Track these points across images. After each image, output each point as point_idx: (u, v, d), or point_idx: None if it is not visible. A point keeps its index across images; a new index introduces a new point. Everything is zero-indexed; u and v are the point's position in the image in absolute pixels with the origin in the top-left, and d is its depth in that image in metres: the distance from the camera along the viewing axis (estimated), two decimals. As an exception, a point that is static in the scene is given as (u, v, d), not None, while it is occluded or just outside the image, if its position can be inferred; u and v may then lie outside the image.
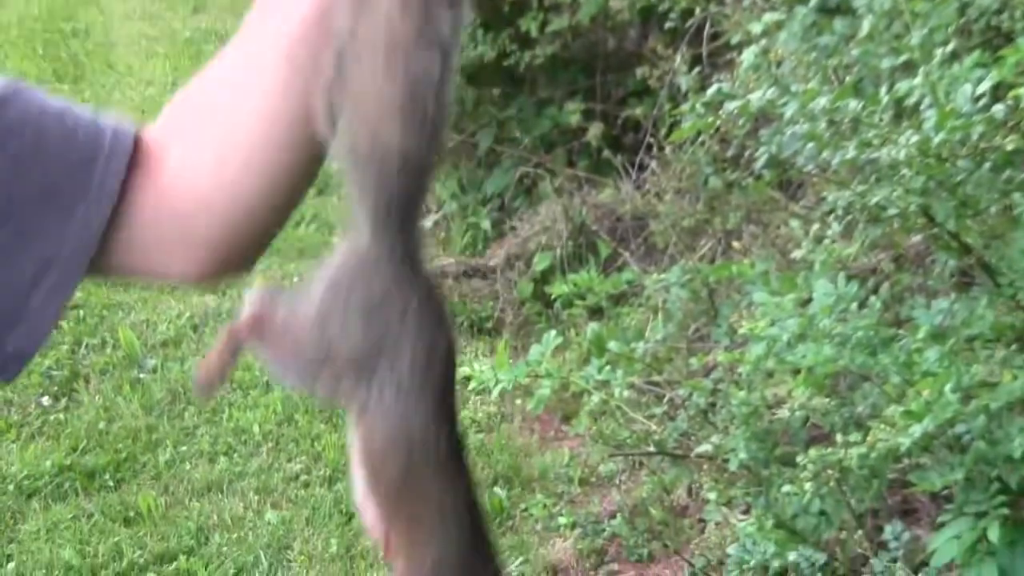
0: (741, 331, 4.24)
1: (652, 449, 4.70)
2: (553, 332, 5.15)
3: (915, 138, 3.18)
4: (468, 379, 5.35)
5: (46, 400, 5.58)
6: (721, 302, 4.91)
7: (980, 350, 3.38)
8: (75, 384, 5.71)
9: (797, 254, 4.50)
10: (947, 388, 3.08)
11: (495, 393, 5.17)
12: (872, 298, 3.97)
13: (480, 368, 5.14)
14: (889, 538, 3.58)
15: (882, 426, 3.37)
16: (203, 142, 1.58)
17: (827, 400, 3.85)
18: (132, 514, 4.80)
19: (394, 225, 1.55)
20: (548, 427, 5.38)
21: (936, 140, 3.14)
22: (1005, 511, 3.13)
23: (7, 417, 5.42)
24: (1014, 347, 3.35)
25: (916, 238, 4.15)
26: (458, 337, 5.95)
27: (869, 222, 4.34)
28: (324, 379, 1.58)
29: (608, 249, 5.78)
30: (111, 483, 5.01)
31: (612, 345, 4.99)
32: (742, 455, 4.11)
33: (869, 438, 3.53)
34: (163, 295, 6.48)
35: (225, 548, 4.61)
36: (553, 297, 5.56)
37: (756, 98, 3.75)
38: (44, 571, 4.48)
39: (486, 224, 6.43)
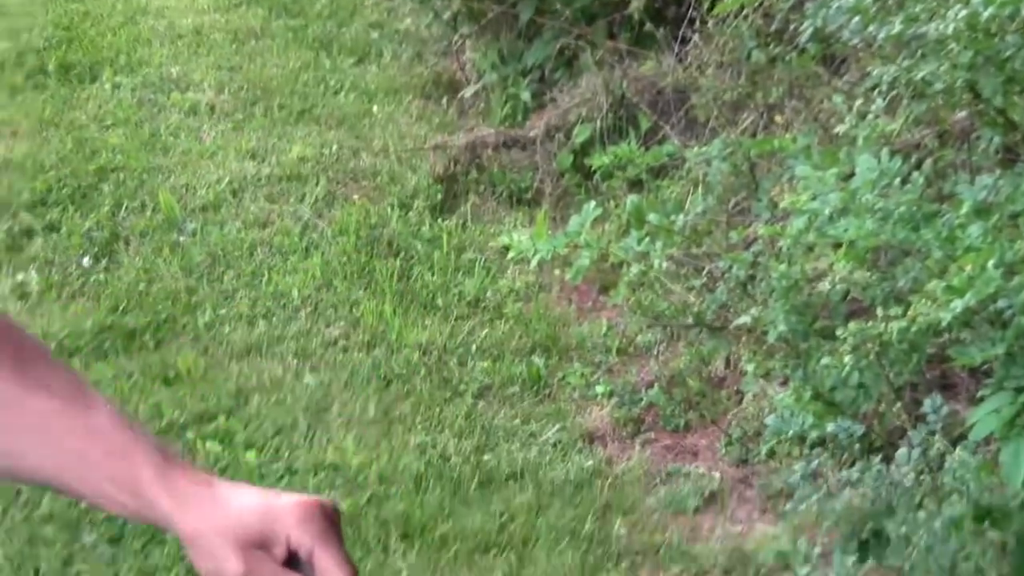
0: (782, 205, 4.24)
1: (690, 321, 4.71)
2: (592, 203, 5.14)
3: (963, 13, 3.16)
4: (507, 248, 5.36)
5: (87, 261, 5.59)
6: (762, 176, 4.89)
7: (1024, 226, 3.37)
8: (115, 246, 5.73)
9: (840, 129, 4.49)
10: (990, 263, 3.08)
11: (534, 263, 5.17)
12: (915, 174, 3.95)
13: (519, 238, 5.14)
14: (928, 411, 3.58)
15: (923, 301, 3.37)
16: None
17: (868, 274, 3.85)
18: (172, 374, 4.83)
19: None
20: (586, 297, 5.39)
21: (985, 15, 3.12)
22: (1045, 386, 3.13)
23: (48, 277, 5.44)
24: (1058, 223, 3.34)
25: (961, 114, 4.13)
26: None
27: (914, 98, 4.32)
28: None
29: (649, 122, 5.76)
30: (151, 344, 5.04)
31: (651, 217, 4.99)
32: (781, 327, 4.12)
33: (910, 312, 3.53)
34: (203, 159, 6.48)
35: (264, 410, 4.64)
36: (593, 168, 5.55)
37: (801, -30, 3.75)
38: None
39: (526, 95, 6.41)
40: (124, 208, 6.05)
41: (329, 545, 1.53)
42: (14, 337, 1.58)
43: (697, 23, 5.48)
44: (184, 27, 8.06)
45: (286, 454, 4.43)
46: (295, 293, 5.36)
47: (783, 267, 4.19)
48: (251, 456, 4.37)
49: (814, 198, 4.03)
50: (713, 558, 3.98)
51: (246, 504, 1.59)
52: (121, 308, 5.23)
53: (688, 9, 5.63)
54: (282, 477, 4.31)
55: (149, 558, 3.86)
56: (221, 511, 1.58)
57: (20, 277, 5.44)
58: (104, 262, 5.63)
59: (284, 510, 1.57)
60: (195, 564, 1.59)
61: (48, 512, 4.04)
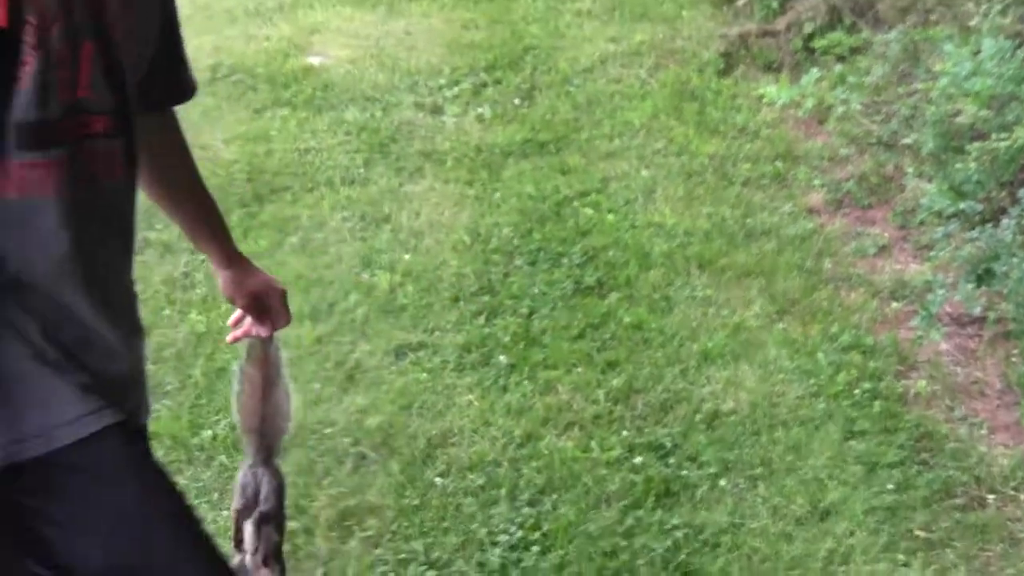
0: (935, 68, 4.09)
1: (873, 140, 4.60)
2: (815, 69, 5.05)
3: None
4: (762, 96, 5.28)
5: (517, 101, 5.66)
6: (920, 53, 4.71)
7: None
8: (533, 93, 5.77)
9: (972, 23, 4.30)
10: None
11: (778, 105, 5.09)
12: (1019, 51, 3.78)
13: (770, 90, 5.05)
14: (1021, 197, 3.45)
15: (1021, 129, 3.24)
16: None
17: (987, 112, 3.71)
18: (565, 168, 4.88)
19: None
20: (809, 127, 5.26)
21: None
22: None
23: (495, 110, 5.53)
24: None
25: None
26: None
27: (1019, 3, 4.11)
28: None
29: (850, 19, 5.55)
30: (553, 150, 5.09)
31: (850, 78, 4.86)
32: (930, 145, 4.01)
33: (1012, 136, 3.40)
34: (584, 42, 6.47)
35: (618, 190, 4.68)
36: (815, 48, 5.42)
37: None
38: (515, 198, 4.63)
39: (775, 3, 6.22)
40: (538, 70, 6.07)
41: (285, 308, 1.95)
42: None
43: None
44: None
45: (631, 216, 4.49)
46: (636, 122, 5.34)
47: (933, 108, 4.06)
48: (611, 217, 4.44)
49: (954, 65, 3.88)
50: (884, 284, 3.94)
51: (258, 277, 1.91)
52: (536, 129, 5.29)
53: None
54: (627, 231, 4.35)
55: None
56: (246, 272, 1.88)
57: (480, 111, 5.55)
58: (527, 102, 5.67)
59: (272, 285, 1.93)
60: (220, 288, 1.92)
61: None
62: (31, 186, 1.25)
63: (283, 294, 1.94)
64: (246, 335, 1.98)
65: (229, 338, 2.00)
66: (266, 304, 1.92)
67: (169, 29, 1.51)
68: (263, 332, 1.96)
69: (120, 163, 1.38)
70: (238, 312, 1.96)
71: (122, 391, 1.45)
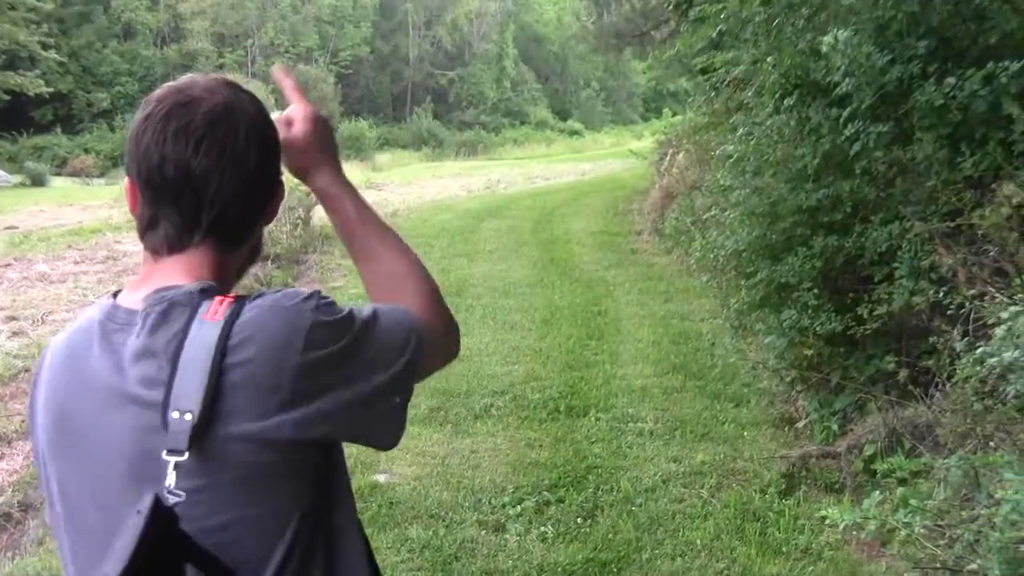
0: (996, 495, 4.09)
1: (937, 566, 4.52)
2: (876, 492, 5.05)
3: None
4: (824, 518, 5.26)
5: (579, 520, 5.69)
6: (981, 477, 4.72)
7: None
8: (595, 512, 5.82)
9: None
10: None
11: (841, 527, 5.07)
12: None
13: (832, 512, 5.06)
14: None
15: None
16: None
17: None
18: None
19: None
20: (872, 549, 5.19)
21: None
22: None
23: (558, 529, 5.57)
24: None
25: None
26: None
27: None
28: None
29: (910, 443, 5.61)
30: (615, 570, 5.07)
31: (912, 501, 4.85)
32: (996, 572, 3.93)
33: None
34: (646, 462, 6.58)
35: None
36: (876, 471, 5.45)
37: (1007, 356, 3.70)
38: None
39: (835, 426, 6.32)
40: (600, 489, 6.13)
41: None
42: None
43: (940, 386, 5.38)
44: (635, 386, 8.23)
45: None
46: (698, 542, 5.31)
47: (997, 535, 4.02)
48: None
49: (1016, 492, 3.88)
50: None
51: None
52: (598, 548, 5.28)
53: (933, 378, 5.52)
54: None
55: None
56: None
57: (543, 529, 5.57)
58: (589, 521, 5.69)
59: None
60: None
61: None
62: None
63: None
64: None
65: None
66: None
67: None
68: None
69: None
70: None
71: None
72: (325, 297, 1.53)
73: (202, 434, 1.39)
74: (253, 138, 1.59)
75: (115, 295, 1.60)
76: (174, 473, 1.39)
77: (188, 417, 1.38)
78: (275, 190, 1.67)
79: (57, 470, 1.56)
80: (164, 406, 1.41)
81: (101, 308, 1.58)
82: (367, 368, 1.52)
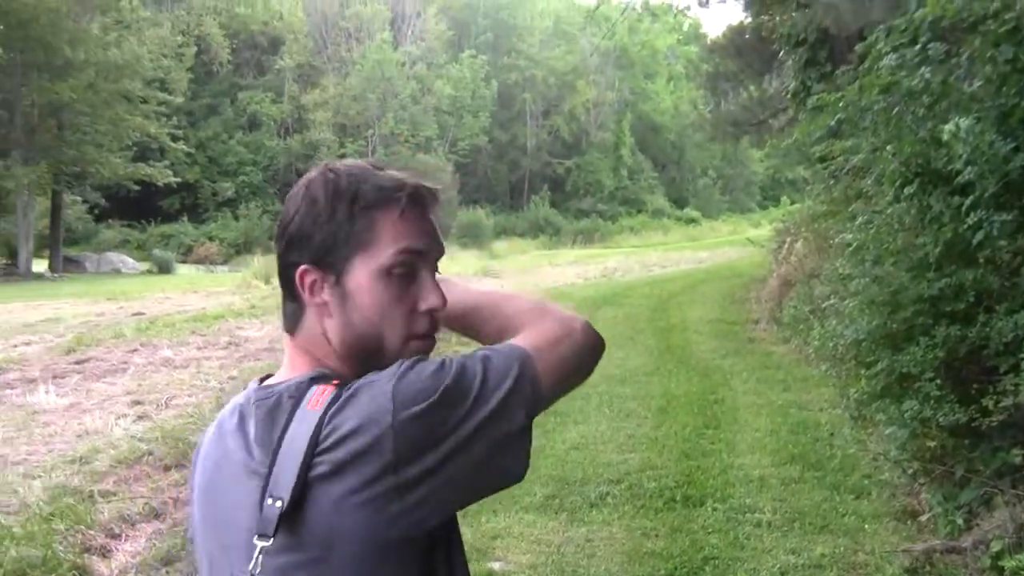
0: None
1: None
2: (1003, 589, 4.94)
3: None
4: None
5: None
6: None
7: None
8: None
9: None
10: None
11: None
12: None
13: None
14: None
15: None
16: None
17: None
18: None
19: None
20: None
21: None
22: None
23: None
24: None
25: None
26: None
27: None
28: None
29: (1043, 542, 5.50)
30: None
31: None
32: None
33: None
34: (764, 553, 6.53)
35: None
36: (1004, 568, 5.35)
37: None
38: None
39: (960, 521, 6.18)
40: None
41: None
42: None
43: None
44: (753, 476, 8.18)
45: None
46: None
47: None
48: None
49: None
50: None
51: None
52: None
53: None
54: None
55: None
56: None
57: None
58: None
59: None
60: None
61: None
62: None
63: None
64: None
65: None
66: None
67: None
68: None
69: None
70: None
71: None
72: (421, 357, 1.56)
73: (292, 519, 1.45)
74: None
75: (263, 379, 1.73)
76: (260, 559, 1.47)
77: (278, 505, 1.45)
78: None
79: (204, 542, 1.66)
80: (262, 492, 1.49)
81: (248, 389, 1.70)
82: (472, 406, 1.48)
